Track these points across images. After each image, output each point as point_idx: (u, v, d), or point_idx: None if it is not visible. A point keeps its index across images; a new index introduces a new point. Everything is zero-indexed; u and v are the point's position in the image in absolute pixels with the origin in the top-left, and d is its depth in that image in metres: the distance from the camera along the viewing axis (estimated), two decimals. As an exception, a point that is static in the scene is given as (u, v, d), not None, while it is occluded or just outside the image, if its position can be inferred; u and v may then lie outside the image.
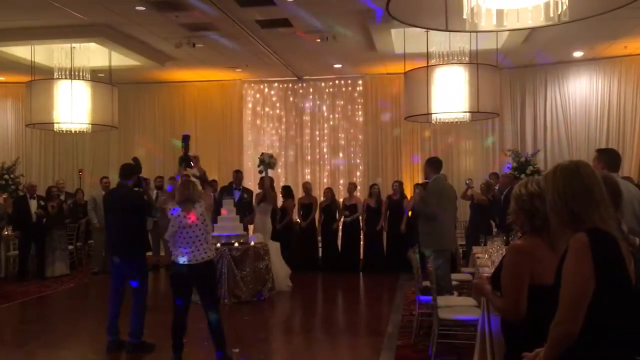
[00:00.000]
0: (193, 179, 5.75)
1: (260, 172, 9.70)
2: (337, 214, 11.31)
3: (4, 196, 12.26)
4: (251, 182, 13.51)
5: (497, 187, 9.69)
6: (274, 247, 9.30)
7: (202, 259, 5.33)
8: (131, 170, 6.24)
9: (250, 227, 10.06)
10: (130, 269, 6.06)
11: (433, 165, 7.06)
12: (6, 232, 10.84)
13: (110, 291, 6.22)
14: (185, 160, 5.79)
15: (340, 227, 11.35)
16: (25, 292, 9.40)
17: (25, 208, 10.53)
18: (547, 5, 4.02)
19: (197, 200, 5.39)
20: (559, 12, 3.91)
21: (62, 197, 11.49)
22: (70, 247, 11.39)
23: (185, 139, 5.93)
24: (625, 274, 2.21)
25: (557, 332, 2.16)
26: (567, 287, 2.16)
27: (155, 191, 11.79)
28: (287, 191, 11.35)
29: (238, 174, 11.07)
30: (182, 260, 5.30)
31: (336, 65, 12.28)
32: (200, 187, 5.54)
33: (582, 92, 12.16)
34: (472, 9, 4.11)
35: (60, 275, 10.56)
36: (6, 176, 12.27)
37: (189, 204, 5.39)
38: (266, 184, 9.69)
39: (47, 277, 10.38)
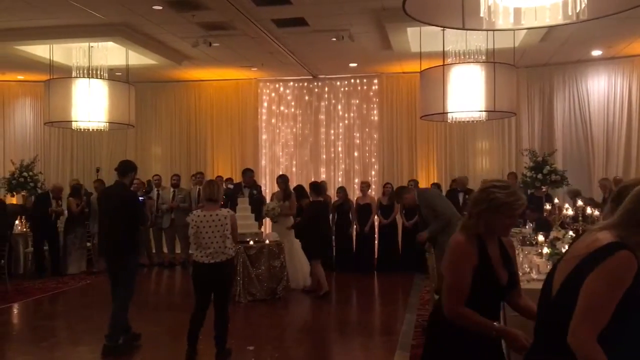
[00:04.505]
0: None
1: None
2: (351, 215, 11.28)
3: (23, 193, 12.41)
4: (264, 180, 13.62)
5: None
6: (297, 245, 9.33)
7: (220, 260, 5.55)
8: (128, 167, 6.22)
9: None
10: (120, 268, 5.99)
11: (403, 191, 7.04)
12: (24, 229, 11.00)
13: (111, 290, 6.17)
14: None
15: (355, 227, 11.34)
16: (42, 288, 9.52)
17: (46, 207, 10.68)
18: (565, 3, 3.98)
19: (220, 200, 5.68)
20: (577, 10, 3.86)
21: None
22: (88, 244, 11.51)
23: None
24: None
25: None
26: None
27: (172, 190, 11.91)
28: (301, 191, 11.21)
29: (249, 174, 10.98)
30: (206, 260, 5.56)
31: (352, 64, 12.25)
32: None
33: (600, 91, 12.00)
34: (489, 7, 4.08)
35: (78, 272, 10.72)
36: (25, 174, 12.41)
37: (212, 203, 5.61)
38: (292, 200, 9.63)
39: (65, 275, 10.52)
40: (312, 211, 8.91)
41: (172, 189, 11.95)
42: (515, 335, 2.66)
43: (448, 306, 2.76)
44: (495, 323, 2.72)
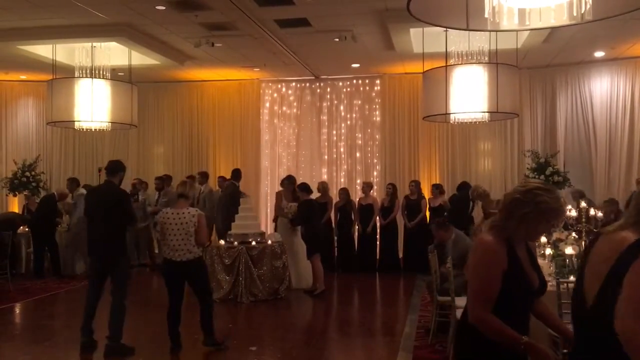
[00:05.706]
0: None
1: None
2: (353, 215, 11.27)
3: (25, 193, 12.42)
4: (266, 180, 13.62)
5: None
6: (301, 245, 9.33)
7: (187, 259, 5.66)
8: (117, 167, 6.16)
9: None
10: (112, 269, 5.92)
11: (443, 227, 6.69)
12: (26, 229, 11.01)
13: (88, 291, 6.09)
14: None
15: (356, 228, 11.33)
16: (44, 288, 9.53)
17: (51, 210, 10.69)
18: (570, 3, 3.97)
19: (191, 198, 5.85)
20: (582, 11, 3.85)
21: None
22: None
23: None
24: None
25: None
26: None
27: (156, 193, 11.86)
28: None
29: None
30: (173, 257, 5.68)
31: (354, 65, 12.25)
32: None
33: (603, 92, 11.98)
34: (493, 8, 4.07)
35: (82, 273, 10.75)
36: (27, 174, 12.42)
37: (183, 199, 5.74)
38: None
39: (65, 275, 10.52)
40: (304, 210, 9.06)
41: (156, 192, 11.88)
42: (545, 354, 2.50)
43: (474, 313, 2.57)
44: (523, 337, 2.51)
